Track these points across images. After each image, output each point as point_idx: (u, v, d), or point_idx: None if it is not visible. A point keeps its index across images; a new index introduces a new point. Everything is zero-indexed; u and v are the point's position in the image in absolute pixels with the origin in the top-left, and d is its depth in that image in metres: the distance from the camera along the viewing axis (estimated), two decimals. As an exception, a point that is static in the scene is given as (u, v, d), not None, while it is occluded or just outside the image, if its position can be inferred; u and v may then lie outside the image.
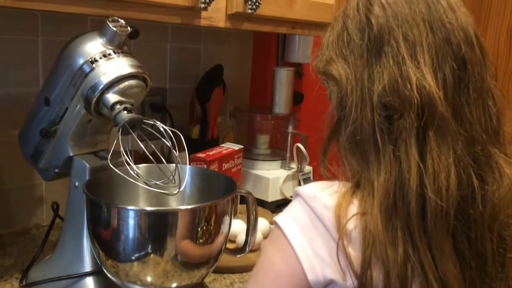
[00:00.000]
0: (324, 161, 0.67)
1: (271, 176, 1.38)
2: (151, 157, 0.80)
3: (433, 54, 0.57)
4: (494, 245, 0.57)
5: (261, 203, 1.35)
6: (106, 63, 0.81)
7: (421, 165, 0.55)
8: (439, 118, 0.55)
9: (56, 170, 0.92)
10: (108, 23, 0.82)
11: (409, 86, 0.56)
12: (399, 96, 0.56)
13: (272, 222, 0.66)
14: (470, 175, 0.56)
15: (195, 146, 1.21)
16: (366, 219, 0.55)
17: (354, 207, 0.57)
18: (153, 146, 0.85)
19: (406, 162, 0.55)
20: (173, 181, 0.82)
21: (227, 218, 0.82)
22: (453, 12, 0.59)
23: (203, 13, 1.02)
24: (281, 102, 1.51)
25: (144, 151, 0.80)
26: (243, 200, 0.91)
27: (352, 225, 0.56)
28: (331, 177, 0.65)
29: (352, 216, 0.56)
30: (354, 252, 0.55)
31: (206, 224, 0.77)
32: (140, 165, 0.90)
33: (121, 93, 0.82)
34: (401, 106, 0.56)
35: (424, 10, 0.58)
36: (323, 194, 0.59)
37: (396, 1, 0.60)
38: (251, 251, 0.92)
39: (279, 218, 0.63)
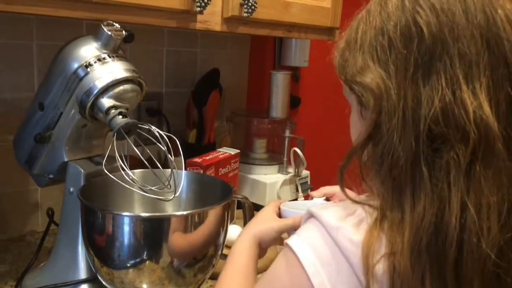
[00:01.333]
0: (342, 176, 0.59)
1: (268, 180, 1.38)
2: (146, 162, 0.79)
3: (489, 78, 0.49)
4: None
5: (258, 207, 1.34)
6: (101, 67, 0.80)
7: (466, 205, 0.48)
8: (495, 155, 0.49)
9: (51, 176, 0.91)
10: (103, 27, 0.81)
11: (465, 116, 0.48)
12: (454, 126, 0.49)
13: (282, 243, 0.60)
14: None
15: (191, 151, 1.21)
16: (395, 260, 0.49)
17: (382, 245, 0.50)
18: (148, 152, 0.84)
19: (449, 201, 0.49)
20: (168, 186, 0.81)
21: (223, 224, 0.82)
22: (511, 25, 0.51)
23: (199, 17, 1.02)
24: (278, 106, 1.51)
25: (139, 156, 0.79)
26: (240, 205, 0.91)
27: (381, 267, 0.50)
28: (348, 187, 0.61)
29: (381, 257, 0.50)
30: None
31: (202, 230, 0.77)
32: (136, 171, 0.89)
33: (116, 97, 0.81)
34: (454, 138, 0.49)
35: (482, 23, 0.50)
36: (348, 225, 0.52)
37: (452, 7, 0.51)
38: (248, 256, 0.91)
39: (295, 242, 0.55)
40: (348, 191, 0.59)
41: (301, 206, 0.87)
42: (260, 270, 1.00)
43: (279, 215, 0.79)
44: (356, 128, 0.60)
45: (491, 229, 0.49)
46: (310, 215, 0.56)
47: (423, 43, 0.50)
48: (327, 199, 0.89)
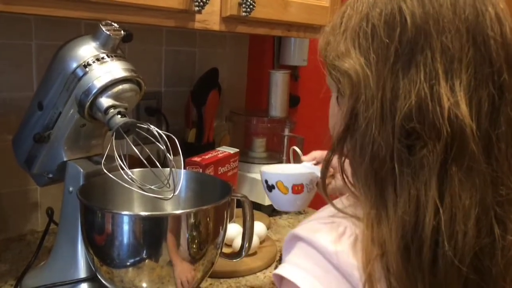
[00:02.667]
0: (325, 177, 0.58)
1: (268, 179, 1.37)
2: (145, 162, 0.79)
3: (471, 75, 0.47)
4: None
5: (258, 206, 1.35)
6: (100, 67, 0.80)
7: (440, 207, 0.47)
8: (468, 156, 0.47)
9: (50, 176, 0.91)
10: (101, 26, 0.81)
11: (439, 112, 0.46)
12: (427, 123, 0.47)
13: (276, 266, 0.57)
14: (492, 221, 0.48)
15: (191, 150, 1.21)
16: (387, 261, 0.47)
17: (374, 250, 0.48)
18: (147, 151, 0.84)
19: (423, 202, 0.47)
20: (167, 185, 0.81)
21: (222, 222, 0.82)
22: (500, 25, 0.49)
23: (197, 16, 1.02)
24: (277, 105, 1.51)
25: (138, 156, 0.79)
26: (239, 204, 0.91)
27: (376, 271, 0.48)
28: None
29: (374, 259, 0.48)
30: None
31: (201, 228, 0.77)
32: (135, 170, 0.89)
33: (114, 97, 0.81)
34: (427, 135, 0.47)
35: (471, 18, 0.48)
36: (345, 248, 0.49)
37: None
38: (247, 255, 0.92)
39: (294, 274, 0.50)
40: (335, 200, 0.57)
41: (287, 169, 0.87)
42: (254, 270, 1.01)
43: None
44: (334, 115, 0.59)
45: (466, 234, 0.47)
46: (298, 238, 0.52)
47: (405, 34, 0.48)
48: (317, 164, 0.88)
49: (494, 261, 0.49)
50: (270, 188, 0.84)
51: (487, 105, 0.48)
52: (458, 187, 0.47)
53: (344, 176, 0.55)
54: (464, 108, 0.47)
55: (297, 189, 0.81)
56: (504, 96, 0.49)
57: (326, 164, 0.56)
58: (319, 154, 0.89)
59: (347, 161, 0.56)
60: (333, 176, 0.88)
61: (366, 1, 0.52)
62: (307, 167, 0.87)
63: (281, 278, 0.52)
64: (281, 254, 0.62)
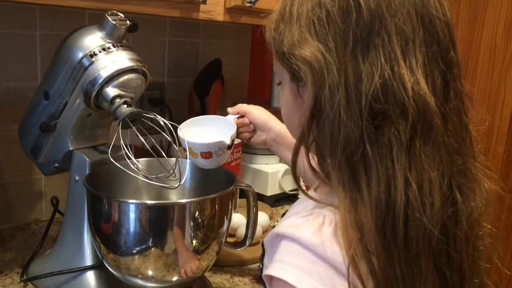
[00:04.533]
0: (295, 169, 0.56)
1: (270, 170, 1.38)
2: (151, 151, 0.80)
3: (424, 54, 0.50)
4: (470, 256, 0.54)
5: (260, 197, 1.36)
6: (106, 57, 0.81)
7: (409, 181, 0.49)
8: (434, 130, 0.50)
9: (56, 165, 0.92)
10: (107, 16, 0.81)
11: (403, 92, 0.48)
12: (393, 103, 0.49)
13: (259, 265, 0.56)
14: (453, 190, 0.52)
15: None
16: (366, 243, 0.49)
17: (353, 233, 0.49)
18: (153, 140, 0.85)
19: (393, 178, 0.49)
20: (173, 175, 0.82)
21: (227, 212, 0.83)
22: (441, 6, 0.52)
23: (202, 7, 1.02)
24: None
25: (144, 145, 0.80)
26: (243, 194, 0.92)
27: (358, 254, 0.49)
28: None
29: (355, 243, 0.49)
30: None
31: (206, 217, 0.78)
32: (140, 159, 0.90)
33: (120, 87, 0.82)
34: (394, 115, 0.49)
35: (418, 1, 0.51)
36: (327, 236, 0.50)
37: None
38: (251, 244, 0.93)
39: (286, 273, 0.50)
40: (310, 191, 0.57)
41: (204, 128, 0.87)
42: (257, 259, 1.02)
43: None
44: (289, 106, 0.59)
45: (433, 205, 0.49)
46: (281, 236, 0.53)
47: (361, 18, 0.49)
48: (241, 117, 0.90)
49: (459, 227, 0.52)
50: (184, 148, 0.85)
51: (439, 81, 0.51)
52: (424, 161, 0.49)
53: (314, 165, 0.55)
54: (424, 85, 0.49)
55: (206, 155, 0.83)
56: (452, 71, 0.52)
57: (294, 155, 0.55)
58: (245, 107, 0.91)
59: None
60: (254, 131, 0.92)
61: None
62: (227, 122, 0.87)
63: (270, 278, 0.53)
64: (263, 252, 0.62)
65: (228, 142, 0.82)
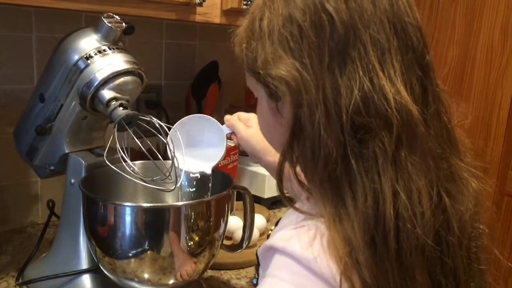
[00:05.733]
0: (281, 185, 0.55)
1: (267, 172, 1.38)
2: (147, 154, 0.79)
3: (401, 62, 0.49)
4: (464, 259, 0.53)
5: (257, 199, 1.35)
6: (101, 59, 0.80)
7: (398, 193, 0.48)
8: (420, 138, 0.49)
9: (52, 168, 0.91)
10: (103, 19, 0.81)
11: (385, 103, 0.47)
12: (375, 114, 0.48)
13: (255, 274, 0.56)
14: (442, 196, 0.51)
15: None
16: (356, 256, 0.48)
17: (342, 247, 0.49)
18: (149, 143, 0.84)
19: (381, 190, 0.48)
20: (169, 177, 0.81)
21: (224, 215, 0.82)
22: (411, 11, 0.52)
23: (198, 9, 1.02)
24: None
25: (140, 148, 0.79)
26: (240, 197, 0.91)
27: (348, 267, 0.48)
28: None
29: (344, 256, 0.48)
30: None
31: (202, 220, 0.77)
32: (136, 162, 0.89)
33: (116, 89, 0.81)
34: (378, 127, 0.48)
35: (388, 8, 0.50)
36: (318, 251, 0.49)
37: None
38: (247, 247, 0.92)
39: (274, 286, 0.50)
40: (302, 199, 0.57)
41: (200, 125, 0.85)
42: (254, 262, 1.01)
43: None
44: (267, 124, 0.58)
45: (424, 214, 0.49)
46: (274, 250, 0.52)
47: (335, 31, 0.48)
48: (230, 136, 0.87)
49: (451, 233, 0.51)
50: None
51: (418, 88, 0.50)
52: (411, 170, 0.49)
53: (300, 179, 0.54)
54: (405, 94, 0.48)
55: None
56: (429, 75, 0.52)
57: (279, 172, 0.55)
58: (244, 116, 0.86)
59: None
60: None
61: (282, 1, 0.51)
62: (219, 137, 0.85)
63: None
64: (258, 263, 0.62)
65: (209, 172, 0.83)
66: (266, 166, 0.87)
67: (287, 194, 0.63)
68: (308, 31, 0.49)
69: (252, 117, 0.85)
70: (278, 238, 0.52)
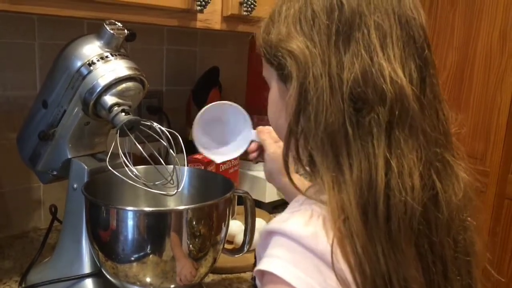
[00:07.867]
0: (287, 165, 0.59)
1: (268, 177, 1.39)
2: (149, 159, 0.80)
3: (401, 49, 0.54)
4: (451, 249, 0.56)
5: (258, 204, 1.36)
6: (104, 66, 0.81)
7: (390, 163, 0.51)
8: (411, 114, 0.53)
9: (54, 173, 0.92)
10: (106, 25, 0.82)
11: (381, 78, 0.52)
12: (372, 88, 0.52)
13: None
14: (433, 177, 0.54)
15: (192, 148, 1.22)
16: (350, 225, 0.50)
17: (338, 215, 0.51)
18: (151, 148, 0.85)
19: (374, 160, 0.52)
20: (171, 182, 0.82)
21: (225, 219, 0.83)
22: (416, 9, 0.57)
23: (199, 15, 1.03)
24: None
25: (142, 153, 0.80)
26: (241, 201, 0.92)
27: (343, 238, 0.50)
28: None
29: (339, 224, 0.50)
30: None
31: (203, 224, 0.78)
32: (138, 167, 0.90)
33: (118, 95, 0.82)
34: (373, 99, 0.52)
35: (395, 2, 0.55)
36: (315, 228, 0.51)
37: None
38: (249, 251, 0.93)
39: (271, 265, 0.51)
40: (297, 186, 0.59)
41: (222, 135, 0.88)
42: (248, 268, 1.02)
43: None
44: (276, 107, 0.62)
45: (414, 186, 0.52)
46: (271, 233, 0.54)
47: (343, 15, 0.54)
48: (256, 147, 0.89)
49: (440, 211, 0.54)
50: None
51: (416, 75, 0.55)
52: (404, 145, 0.53)
53: (302, 158, 0.57)
54: (401, 74, 0.53)
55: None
56: (428, 69, 0.56)
57: (285, 154, 0.58)
58: (274, 135, 0.86)
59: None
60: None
61: None
62: (251, 137, 0.87)
63: (261, 274, 0.53)
64: (255, 262, 0.62)
65: (217, 161, 0.87)
66: (284, 186, 0.88)
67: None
68: (319, 13, 0.55)
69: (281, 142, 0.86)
70: (275, 221, 0.55)
